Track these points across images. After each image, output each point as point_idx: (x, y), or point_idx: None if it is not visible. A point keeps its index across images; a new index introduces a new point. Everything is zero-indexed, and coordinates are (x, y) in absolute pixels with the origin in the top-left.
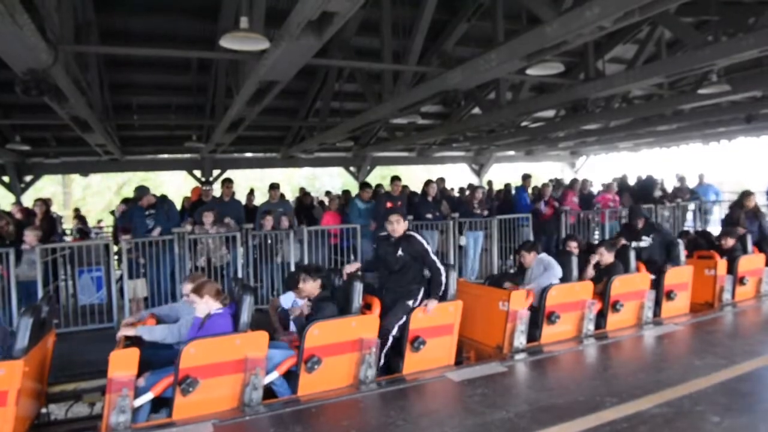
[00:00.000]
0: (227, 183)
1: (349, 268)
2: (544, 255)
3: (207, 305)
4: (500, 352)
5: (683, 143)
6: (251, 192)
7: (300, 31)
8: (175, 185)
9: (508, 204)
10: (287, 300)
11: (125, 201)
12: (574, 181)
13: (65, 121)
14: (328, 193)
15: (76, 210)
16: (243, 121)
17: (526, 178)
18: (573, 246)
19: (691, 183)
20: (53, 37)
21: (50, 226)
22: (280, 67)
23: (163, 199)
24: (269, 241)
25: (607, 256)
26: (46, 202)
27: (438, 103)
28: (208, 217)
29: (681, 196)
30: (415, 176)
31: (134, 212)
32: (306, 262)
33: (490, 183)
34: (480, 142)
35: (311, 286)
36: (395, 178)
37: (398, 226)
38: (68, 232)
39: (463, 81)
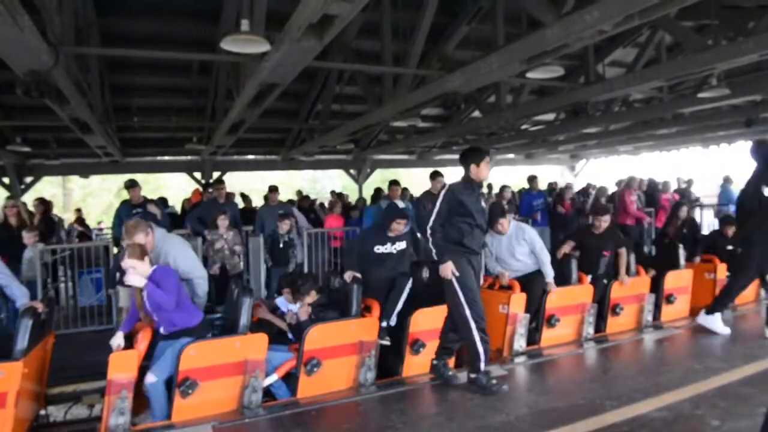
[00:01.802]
0: (220, 184)
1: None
2: (520, 224)
3: (148, 266)
4: (500, 355)
5: (683, 147)
6: (244, 195)
7: (301, 34)
8: (176, 188)
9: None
10: (281, 304)
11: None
12: (631, 179)
13: (66, 123)
14: (333, 193)
15: (78, 210)
16: (243, 124)
17: (533, 179)
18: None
19: (713, 184)
20: (54, 39)
21: (49, 227)
22: (280, 69)
23: (151, 200)
24: (281, 245)
25: None
26: (44, 203)
27: (438, 106)
28: (224, 221)
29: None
30: (415, 179)
31: (121, 209)
32: (306, 266)
33: (489, 186)
34: (480, 145)
35: (311, 297)
36: (394, 183)
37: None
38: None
39: (463, 84)
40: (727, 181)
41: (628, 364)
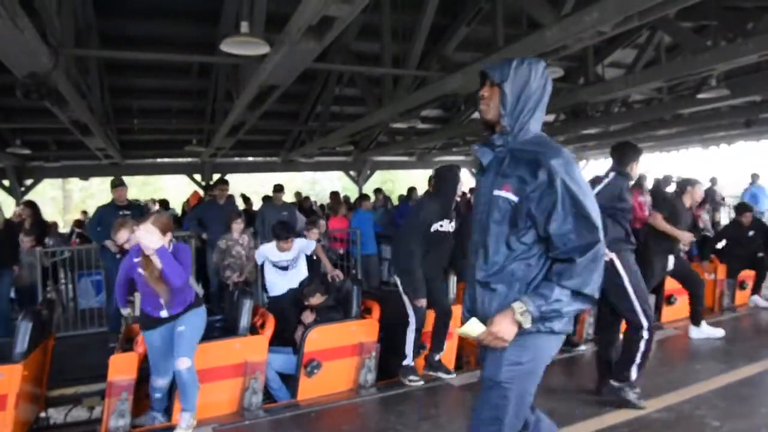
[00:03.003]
0: (223, 184)
1: None
2: None
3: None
4: None
5: (683, 148)
6: (245, 197)
7: (300, 36)
8: (175, 190)
9: None
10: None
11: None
12: (641, 177)
13: (66, 125)
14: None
15: (84, 213)
16: (243, 125)
17: None
18: None
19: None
20: (54, 41)
21: (41, 230)
22: (280, 71)
23: (137, 203)
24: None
25: None
26: (32, 206)
27: (438, 108)
28: (239, 224)
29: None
30: (415, 180)
31: (104, 212)
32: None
33: None
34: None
35: (316, 299)
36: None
37: None
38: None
39: (463, 85)
40: (754, 178)
41: None
